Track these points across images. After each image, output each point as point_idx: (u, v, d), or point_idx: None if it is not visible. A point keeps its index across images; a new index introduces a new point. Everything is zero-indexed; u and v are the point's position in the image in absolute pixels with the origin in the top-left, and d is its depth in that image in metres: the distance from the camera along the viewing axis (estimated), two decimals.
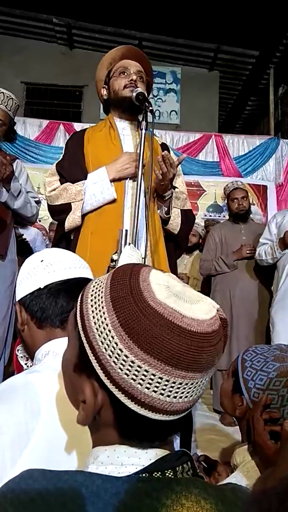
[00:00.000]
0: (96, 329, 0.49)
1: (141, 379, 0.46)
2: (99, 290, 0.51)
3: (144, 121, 1.52)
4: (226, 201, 3.44)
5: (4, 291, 2.21)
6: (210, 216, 5.80)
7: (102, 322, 0.48)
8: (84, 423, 0.51)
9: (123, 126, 1.73)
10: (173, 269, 1.74)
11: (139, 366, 0.46)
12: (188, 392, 0.48)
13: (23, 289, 0.85)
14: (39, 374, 0.75)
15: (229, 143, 6.21)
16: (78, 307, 0.53)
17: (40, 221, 5.21)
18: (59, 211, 1.67)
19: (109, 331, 0.47)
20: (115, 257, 1.48)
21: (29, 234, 3.40)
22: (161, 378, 0.46)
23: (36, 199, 2.39)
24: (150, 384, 0.46)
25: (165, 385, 0.46)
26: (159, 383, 0.46)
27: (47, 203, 1.72)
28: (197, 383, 0.48)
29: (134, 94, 1.58)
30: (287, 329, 2.60)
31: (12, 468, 0.64)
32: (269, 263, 2.83)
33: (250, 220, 3.33)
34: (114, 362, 0.47)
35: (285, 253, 2.72)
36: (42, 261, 0.85)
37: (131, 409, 0.48)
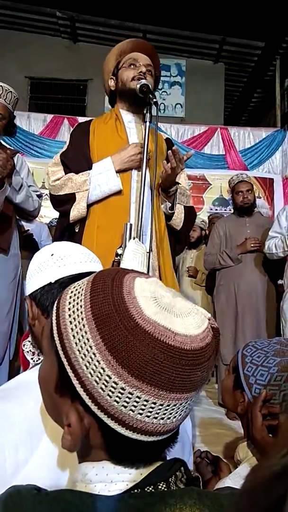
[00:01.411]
0: (78, 351, 0.44)
1: (133, 405, 0.42)
2: (77, 304, 0.45)
3: (148, 114, 1.50)
4: (231, 195, 3.41)
5: (8, 285, 2.21)
6: (216, 210, 5.78)
7: (85, 344, 0.43)
8: (71, 449, 0.46)
9: (129, 119, 1.72)
10: (175, 265, 1.75)
11: (130, 393, 0.42)
12: (182, 411, 0.45)
13: (33, 284, 0.84)
14: None
15: (235, 135, 6.17)
16: (54, 321, 0.47)
17: (43, 217, 5.21)
18: (63, 202, 1.65)
19: (94, 354, 0.43)
20: (119, 251, 1.47)
21: (34, 228, 3.40)
22: (154, 403, 0.42)
23: (38, 193, 2.38)
24: (142, 410, 0.42)
25: (159, 409, 0.43)
26: (152, 408, 0.43)
27: (50, 193, 1.70)
28: (191, 400, 0.46)
29: (138, 86, 1.56)
30: None
31: (24, 465, 0.64)
32: (280, 257, 2.79)
33: (255, 213, 3.30)
34: (101, 388, 0.43)
35: None
36: (52, 255, 0.84)
37: (124, 438, 0.44)
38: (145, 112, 1.52)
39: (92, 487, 0.46)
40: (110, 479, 0.45)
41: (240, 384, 1.00)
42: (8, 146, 2.46)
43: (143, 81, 1.56)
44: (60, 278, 0.81)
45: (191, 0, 6.61)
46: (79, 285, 0.48)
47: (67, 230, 1.69)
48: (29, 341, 2.61)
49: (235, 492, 0.49)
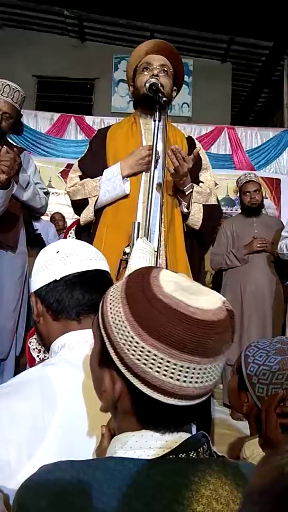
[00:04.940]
0: (113, 322, 0.54)
1: (151, 363, 0.50)
2: (116, 291, 0.57)
3: (157, 112, 1.50)
4: (238, 194, 3.40)
5: (15, 282, 2.23)
6: (222, 210, 5.77)
7: (118, 316, 0.54)
8: (104, 410, 0.56)
9: (145, 121, 1.73)
10: (197, 267, 1.72)
11: (149, 351, 0.50)
12: (197, 378, 0.51)
13: (38, 281, 0.84)
14: (55, 367, 0.75)
15: (242, 135, 6.16)
16: (100, 308, 0.58)
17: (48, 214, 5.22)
18: (78, 206, 1.72)
19: (123, 322, 0.53)
20: (127, 250, 1.48)
21: (41, 227, 3.41)
22: (169, 362, 0.50)
23: (45, 190, 2.40)
24: (159, 368, 0.50)
25: (174, 368, 0.50)
26: (167, 366, 0.50)
27: (69, 198, 1.79)
28: (205, 368, 0.51)
29: (147, 84, 1.56)
30: None
31: (28, 461, 0.64)
32: None
33: (262, 213, 3.28)
34: (127, 349, 0.52)
35: None
36: (58, 252, 0.84)
37: (147, 396, 0.51)
38: (155, 111, 1.51)
39: (132, 453, 0.53)
40: (149, 445, 0.53)
41: (244, 384, 1.01)
42: (15, 144, 2.47)
43: (152, 80, 1.56)
44: (65, 275, 0.81)
45: None
46: (119, 281, 0.59)
47: (84, 230, 1.76)
48: (35, 339, 2.62)
49: (249, 464, 0.56)
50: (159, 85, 1.56)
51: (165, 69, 1.67)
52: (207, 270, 3.93)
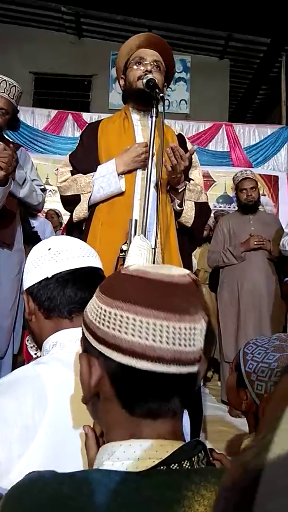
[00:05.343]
0: (89, 309, 0.57)
1: (119, 325, 0.51)
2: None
3: (154, 109, 1.50)
4: (235, 192, 3.39)
5: (12, 280, 2.22)
6: (220, 207, 5.76)
7: (92, 302, 0.57)
8: (84, 400, 0.56)
9: (138, 117, 1.72)
10: (187, 263, 1.73)
11: (115, 314, 0.51)
12: (167, 337, 0.49)
13: (30, 278, 0.83)
14: (46, 366, 0.74)
15: (240, 132, 6.14)
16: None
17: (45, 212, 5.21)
18: (69, 202, 1.69)
19: (95, 301, 0.56)
20: (124, 247, 1.48)
21: (38, 224, 3.40)
22: (134, 320, 0.50)
23: (42, 187, 2.38)
24: (127, 328, 0.50)
25: (140, 326, 0.50)
26: (134, 325, 0.50)
27: (59, 193, 1.75)
28: (173, 327, 0.49)
29: (144, 80, 1.55)
30: None
31: (18, 460, 0.64)
32: None
33: (259, 210, 3.28)
34: (98, 321, 0.53)
35: None
36: (49, 249, 0.83)
37: (123, 370, 0.50)
38: (151, 107, 1.51)
39: (119, 465, 0.49)
40: (137, 456, 0.49)
41: (243, 381, 1.01)
42: (11, 140, 2.45)
43: (150, 76, 1.56)
44: (57, 272, 0.80)
45: None
46: None
47: (76, 227, 1.73)
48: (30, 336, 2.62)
49: None
50: (156, 81, 1.55)
51: (158, 64, 1.66)
52: (202, 268, 3.93)
